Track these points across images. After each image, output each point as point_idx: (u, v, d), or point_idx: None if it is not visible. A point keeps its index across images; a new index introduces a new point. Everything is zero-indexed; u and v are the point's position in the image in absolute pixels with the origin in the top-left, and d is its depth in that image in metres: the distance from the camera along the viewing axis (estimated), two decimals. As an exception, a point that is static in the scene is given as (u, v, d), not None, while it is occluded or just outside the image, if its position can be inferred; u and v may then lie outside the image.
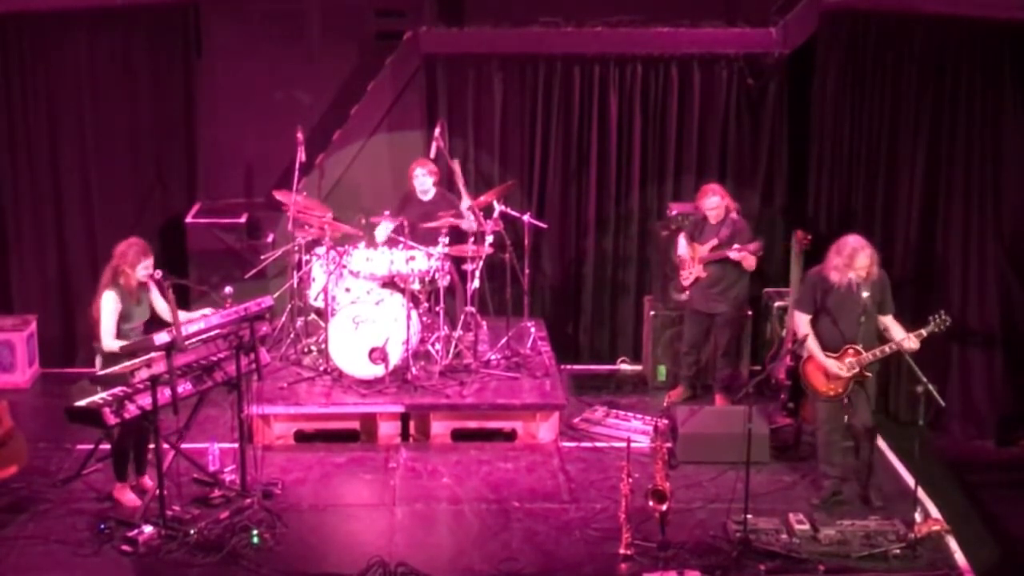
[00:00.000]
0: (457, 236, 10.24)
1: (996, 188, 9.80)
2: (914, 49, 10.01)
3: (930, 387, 7.80)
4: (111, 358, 7.95)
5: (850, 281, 8.13)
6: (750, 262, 9.60)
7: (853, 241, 8.18)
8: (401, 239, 9.82)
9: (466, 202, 10.02)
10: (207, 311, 8.20)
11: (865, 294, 8.12)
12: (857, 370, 8.20)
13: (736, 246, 9.55)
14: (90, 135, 10.81)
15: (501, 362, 10.10)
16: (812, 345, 8.32)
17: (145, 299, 8.30)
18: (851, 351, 8.21)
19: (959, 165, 9.86)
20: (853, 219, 10.51)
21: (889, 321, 8.31)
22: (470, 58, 10.88)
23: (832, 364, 8.23)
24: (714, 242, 9.70)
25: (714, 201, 9.69)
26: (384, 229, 10.00)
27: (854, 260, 8.10)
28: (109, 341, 8.12)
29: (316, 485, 8.81)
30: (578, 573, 7.71)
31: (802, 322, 8.39)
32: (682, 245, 9.92)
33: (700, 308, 9.91)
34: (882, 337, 8.28)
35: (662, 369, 10.54)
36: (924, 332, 8.09)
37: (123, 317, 8.17)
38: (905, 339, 8.12)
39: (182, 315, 7.96)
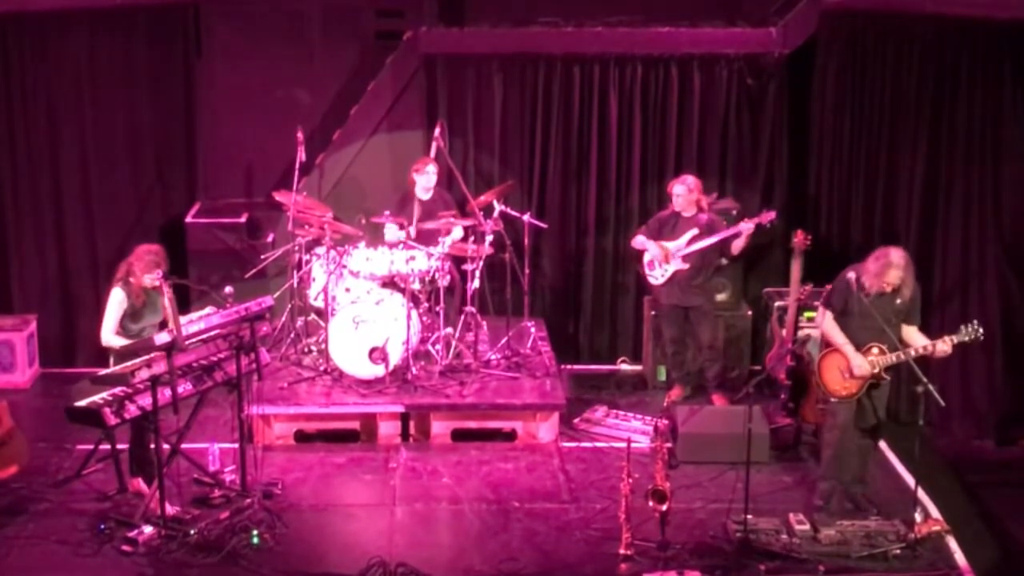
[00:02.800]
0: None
1: (996, 188, 9.82)
2: (914, 49, 10.01)
3: (930, 387, 7.76)
4: (122, 357, 7.95)
5: (883, 288, 7.96)
6: (739, 244, 9.58)
7: (893, 256, 7.94)
8: (413, 243, 9.83)
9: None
10: (209, 310, 8.20)
11: (898, 301, 7.99)
12: (877, 370, 8.05)
13: (745, 220, 9.54)
14: (90, 135, 10.80)
15: (501, 362, 10.10)
16: (839, 339, 8.09)
17: (156, 300, 8.30)
18: (875, 349, 8.01)
19: (959, 164, 9.87)
20: (853, 219, 10.53)
21: (913, 331, 8.11)
22: (470, 58, 10.87)
23: (858, 360, 8.00)
24: (694, 231, 9.69)
25: (680, 189, 9.68)
26: (392, 231, 10.00)
27: (884, 274, 7.91)
28: (108, 336, 8.15)
29: (316, 485, 8.81)
30: (578, 573, 7.71)
31: (825, 319, 8.20)
32: (651, 246, 9.80)
33: (676, 302, 9.88)
34: (903, 344, 8.06)
35: (662, 369, 10.53)
36: (955, 339, 7.91)
37: (130, 316, 8.20)
38: (939, 342, 7.93)
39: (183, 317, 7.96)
